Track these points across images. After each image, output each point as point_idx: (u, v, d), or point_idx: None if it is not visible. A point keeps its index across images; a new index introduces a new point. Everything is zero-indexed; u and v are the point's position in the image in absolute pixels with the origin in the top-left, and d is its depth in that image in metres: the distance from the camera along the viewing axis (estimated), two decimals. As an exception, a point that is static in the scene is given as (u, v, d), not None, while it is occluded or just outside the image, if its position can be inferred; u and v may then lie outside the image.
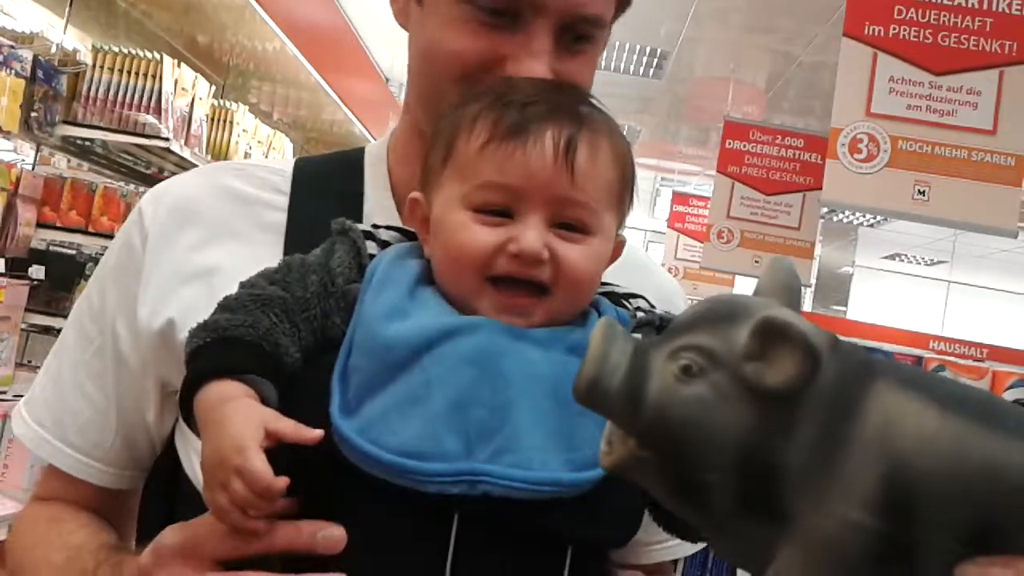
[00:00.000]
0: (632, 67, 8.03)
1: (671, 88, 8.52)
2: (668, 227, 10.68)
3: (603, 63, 8.28)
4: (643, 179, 13.94)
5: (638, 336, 0.59)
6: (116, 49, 3.77)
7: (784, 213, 6.61)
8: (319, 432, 0.64)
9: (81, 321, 0.92)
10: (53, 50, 3.75)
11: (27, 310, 3.19)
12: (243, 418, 0.64)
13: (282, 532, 0.66)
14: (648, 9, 6.88)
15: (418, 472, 0.64)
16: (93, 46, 3.81)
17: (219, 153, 4.42)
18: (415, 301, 0.72)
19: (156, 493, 0.89)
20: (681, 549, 1.01)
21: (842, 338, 0.55)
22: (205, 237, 0.87)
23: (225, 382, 0.66)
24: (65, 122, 3.69)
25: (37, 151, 3.63)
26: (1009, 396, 2.97)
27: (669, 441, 0.53)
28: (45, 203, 3.57)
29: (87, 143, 3.97)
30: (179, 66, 3.94)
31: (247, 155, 4.64)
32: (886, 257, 14.73)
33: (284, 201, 0.90)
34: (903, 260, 14.69)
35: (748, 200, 6.64)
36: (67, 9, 3.90)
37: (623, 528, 0.73)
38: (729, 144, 6.63)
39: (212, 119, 4.49)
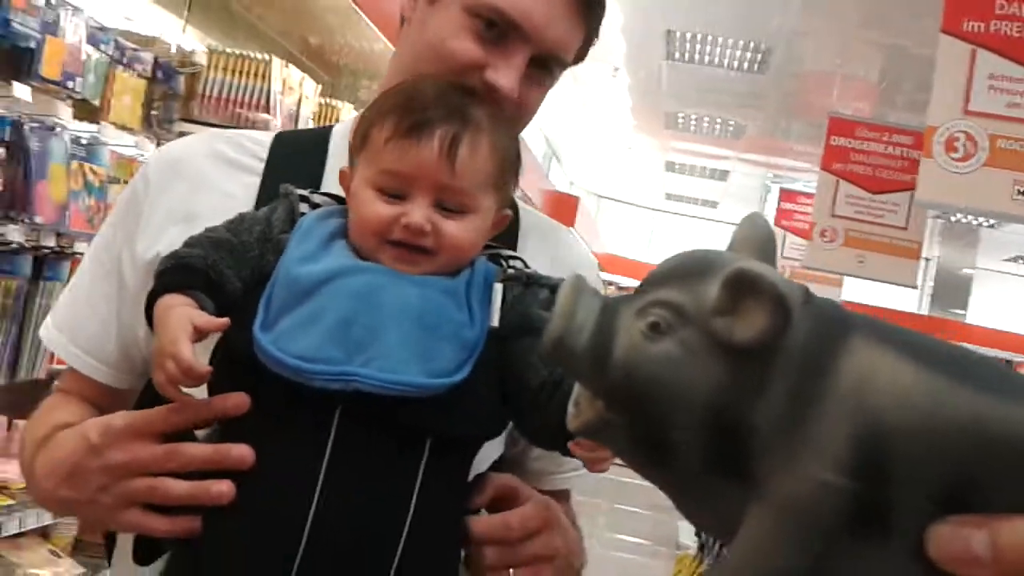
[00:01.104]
0: (736, 62, 7.94)
1: (777, 83, 8.40)
2: (775, 225, 10.47)
3: (706, 59, 8.23)
4: (751, 175, 13.71)
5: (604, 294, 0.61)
6: (229, 51, 4.00)
7: (891, 212, 6.45)
8: (225, 320, 0.85)
9: (97, 250, 1.13)
10: (173, 51, 4.00)
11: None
12: (178, 317, 0.83)
13: (202, 405, 0.88)
14: (752, 4, 6.81)
15: (308, 371, 0.83)
16: (208, 48, 4.05)
17: (324, 149, 4.60)
18: (327, 250, 0.92)
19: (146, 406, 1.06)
20: (580, 481, 1.18)
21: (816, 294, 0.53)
22: (193, 189, 1.08)
23: (175, 295, 0.86)
24: (182, 119, 3.93)
25: (157, 147, 3.88)
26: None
27: (636, 401, 0.52)
28: (164, 195, 3.81)
29: (203, 139, 4.22)
30: (287, 66, 4.14)
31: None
32: (1009, 259, 14.10)
33: (260, 166, 1.10)
34: (1028, 262, 14.04)
35: (853, 198, 6.50)
36: (185, 13, 4.16)
37: (474, 428, 0.91)
38: (834, 141, 6.50)
39: (319, 116, 4.68)
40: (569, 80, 9.49)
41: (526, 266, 0.98)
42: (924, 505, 0.48)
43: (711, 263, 0.53)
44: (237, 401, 0.86)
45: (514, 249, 1.06)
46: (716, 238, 17.69)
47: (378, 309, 0.86)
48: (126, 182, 3.58)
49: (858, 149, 6.44)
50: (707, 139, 11.55)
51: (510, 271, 0.96)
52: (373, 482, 0.85)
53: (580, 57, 1.13)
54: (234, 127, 3.95)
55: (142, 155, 3.71)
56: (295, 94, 4.24)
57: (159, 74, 3.66)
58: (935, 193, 3.57)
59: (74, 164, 3.15)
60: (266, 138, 1.14)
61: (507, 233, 1.08)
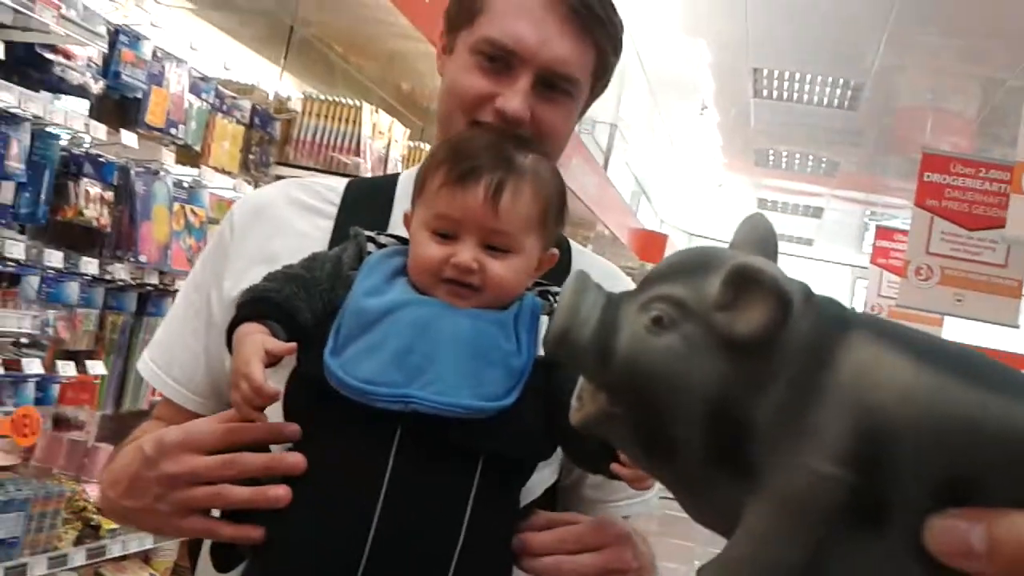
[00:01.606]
0: (826, 99, 7.86)
1: (870, 119, 8.27)
2: (871, 263, 10.27)
3: (796, 96, 8.16)
4: (846, 212, 13.36)
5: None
6: (322, 97, 4.18)
7: (988, 249, 6.27)
8: (293, 345, 0.93)
9: (188, 289, 1.24)
10: (270, 98, 4.20)
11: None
12: (252, 343, 0.93)
13: (254, 428, 0.96)
14: (840, 41, 6.75)
15: (371, 393, 0.91)
16: (304, 94, 4.24)
17: (413, 190, 4.74)
18: (390, 285, 1.00)
19: None
20: (633, 508, 1.21)
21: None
22: (272, 232, 1.18)
23: (252, 324, 0.95)
24: (278, 163, 4.12)
25: (254, 188, 4.07)
26: None
27: (639, 394, 0.52)
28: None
29: (298, 181, 4.40)
30: (376, 112, 4.30)
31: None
32: (1125, 298, 13.42)
33: (333, 211, 1.20)
34: None
35: (949, 235, 6.35)
36: (283, 60, 4.37)
37: (523, 449, 0.97)
38: (927, 177, 6.37)
39: (408, 159, 4.84)
40: (657, 118, 9.49)
41: None
42: (922, 499, 0.48)
43: (712, 258, 0.53)
44: (292, 430, 0.95)
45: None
46: (812, 277, 17.34)
47: (434, 338, 0.94)
48: (225, 223, 3.78)
49: (953, 185, 6.29)
50: (799, 176, 11.41)
51: (555, 304, 1.00)
52: (430, 497, 0.92)
53: (602, 72, 1.18)
54: (326, 170, 4.12)
55: (239, 197, 3.90)
56: (384, 138, 4.39)
57: (256, 120, 3.85)
58: (1026, 229, 3.48)
59: (176, 206, 3.34)
60: (339, 184, 1.24)
61: (560, 273, 1.11)
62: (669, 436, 0.52)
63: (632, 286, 1.26)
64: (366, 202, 1.22)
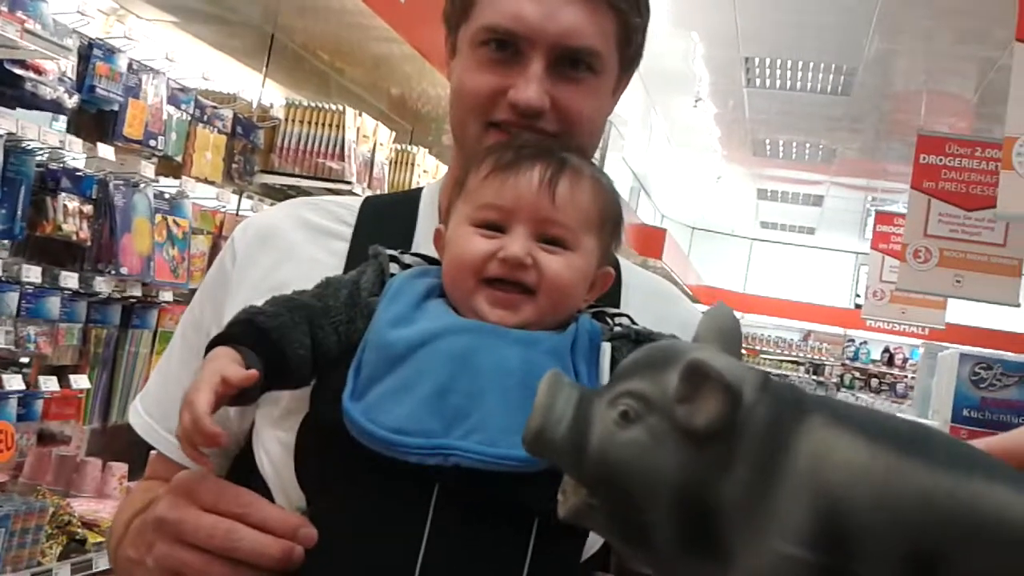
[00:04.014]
0: (819, 85, 7.82)
1: (864, 104, 8.23)
2: (871, 248, 10.21)
3: (787, 83, 8.13)
4: (847, 199, 13.29)
5: (583, 385, 0.63)
6: (305, 103, 4.16)
7: (987, 229, 6.23)
8: (252, 372, 0.78)
9: (185, 328, 1.09)
10: (254, 106, 4.19)
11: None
12: (211, 370, 0.78)
13: (272, 509, 0.82)
14: (830, 27, 6.72)
15: (402, 445, 0.77)
16: (286, 101, 4.23)
17: (402, 193, 4.73)
18: (420, 310, 0.86)
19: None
20: None
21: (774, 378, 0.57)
22: (280, 259, 1.03)
23: (225, 348, 0.81)
24: (262, 171, 4.10)
25: (240, 198, 4.06)
26: None
27: (611, 485, 0.56)
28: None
29: (286, 188, 4.39)
30: (360, 116, 4.29)
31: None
32: None
33: (348, 232, 1.06)
34: None
35: (947, 217, 6.31)
36: (264, 69, 4.35)
37: None
38: (923, 159, 6.33)
39: (395, 162, 4.82)
40: (652, 113, 9.46)
41: (633, 323, 0.92)
42: (891, 574, 0.49)
43: (674, 354, 0.57)
44: (307, 535, 0.80)
45: (616, 307, 0.98)
46: (816, 265, 17.29)
47: (477, 374, 0.80)
48: (209, 233, 3.76)
49: (949, 166, 6.26)
50: (798, 164, 11.36)
51: (617, 329, 0.90)
52: (477, 568, 0.78)
53: (628, 39, 1.02)
54: (312, 176, 4.10)
55: (223, 207, 3.89)
56: (369, 142, 4.37)
57: (239, 129, 3.83)
58: (1017, 206, 3.45)
59: (158, 217, 3.33)
60: (354, 203, 1.10)
61: (609, 291, 0.99)
62: (641, 523, 0.55)
63: (687, 303, 1.16)
64: (385, 220, 1.08)
